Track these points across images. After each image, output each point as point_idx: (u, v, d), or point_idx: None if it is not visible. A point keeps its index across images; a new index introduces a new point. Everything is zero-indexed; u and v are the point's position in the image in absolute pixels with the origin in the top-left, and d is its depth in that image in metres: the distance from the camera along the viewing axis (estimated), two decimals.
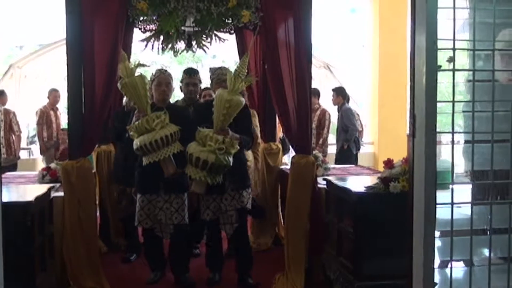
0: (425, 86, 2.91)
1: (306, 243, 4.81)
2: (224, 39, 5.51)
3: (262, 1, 4.96)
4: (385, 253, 3.65)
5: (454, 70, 2.96)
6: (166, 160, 4.53)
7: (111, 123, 5.55)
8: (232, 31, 5.56)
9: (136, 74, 4.57)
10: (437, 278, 3.10)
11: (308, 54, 4.87)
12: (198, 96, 5.65)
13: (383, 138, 10.17)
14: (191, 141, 4.65)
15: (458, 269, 3.23)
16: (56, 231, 4.48)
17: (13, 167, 8.36)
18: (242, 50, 5.82)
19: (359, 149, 8.98)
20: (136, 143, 4.51)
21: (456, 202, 3.03)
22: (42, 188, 4.20)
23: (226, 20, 5.04)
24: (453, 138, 2.98)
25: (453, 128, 2.97)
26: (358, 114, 9.44)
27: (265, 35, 5.00)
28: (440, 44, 2.94)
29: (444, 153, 5.73)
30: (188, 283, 4.95)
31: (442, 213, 3.06)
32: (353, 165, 6.96)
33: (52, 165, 5.21)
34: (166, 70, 5.00)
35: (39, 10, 13.65)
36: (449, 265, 3.03)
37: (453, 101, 2.95)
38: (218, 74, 4.79)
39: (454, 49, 2.94)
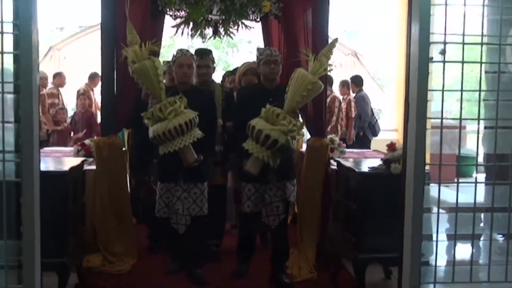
0: (418, 76, 3.21)
1: (318, 220, 5.15)
2: (250, 27, 5.73)
3: None
4: (385, 229, 3.89)
5: (444, 61, 3.27)
6: (184, 149, 4.34)
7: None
8: (258, 19, 5.80)
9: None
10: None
11: (324, 42, 5.12)
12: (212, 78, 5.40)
13: None
14: (213, 127, 4.62)
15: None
16: (88, 201, 4.86)
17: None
18: (267, 37, 5.85)
19: (375, 135, 9.24)
20: (150, 132, 4.35)
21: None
22: (76, 161, 4.59)
23: (249, 10, 5.33)
24: (442, 124, 3.27)
25: (442, 114, 3.27)
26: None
27: (284, 25, 5.32)
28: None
29: (469, 142, 5.97)
30: (199, 279, 4.65)
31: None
32: (370, 150, 7.23)
33: (86, 141, 5.63)
34: (188, 51, 4.75)
35: None
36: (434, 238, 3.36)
37: (443, 90, 3.25)
38: (267, 55, 4.55)
39: (445, 43, 3.24)
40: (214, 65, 5.36)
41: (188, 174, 4.53)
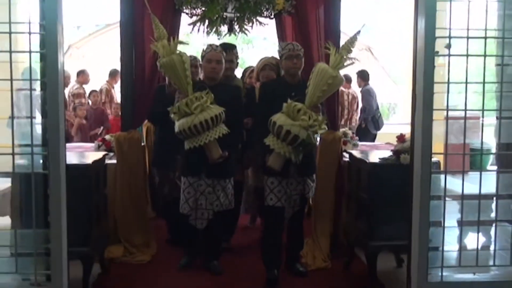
0: (424, 69, 3.37)
1: (332, 211, 5.29)
2: (264, 24, 5.83)
3: None
4: (395, 217, 4.02)
5: (449, 55, 3.41)
6: (209, 145, 4.35)
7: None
8: (272, 16, 5.84)
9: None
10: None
11: (337, 38, 5.26)
12: (238, 74, 5.47)
13: None
14: (239, 122, 4.61)
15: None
16: (109, 193, 5.03)
17: None
18: (281, 33, 5.91)
19: (378, 129, 9.42)
20: (176, 126, 4.36)
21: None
22: (98, 155, 4.77)
23: (262, 8, 5.47)
24: (447, 114, 3.41)
25: (447, 106, 3.41)
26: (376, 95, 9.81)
27: (297, 22, 5.47)
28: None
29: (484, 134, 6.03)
30: (216, 270, 4.77)
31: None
32: (382, 143, 7.35)
33: (107, 137, 5.81)
34: (218, 46, 4.72)
35: None
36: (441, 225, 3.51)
37: (448, 82, 3.40)
38: (289, 49, 4.47)
39: (450, 37, 3.39)
40: (238, 60, 5.42)
41: (213, 170, 4.52)
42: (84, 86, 9.61)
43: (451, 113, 3.49)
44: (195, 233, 4.75)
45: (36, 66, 3.35)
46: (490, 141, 4.05)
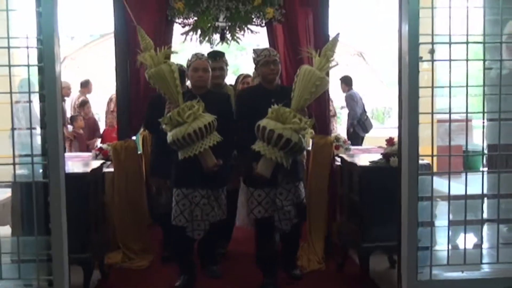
0: (408, 74, 3.50)
1: (326, 214, 5.41)
2: (256, 32, 5.94)
3: None
4: (386, 218, 4.07)
5: (432, 60, 3.55)
6: (204, 154, 4.25)
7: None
8: (263, 24, 5.92)
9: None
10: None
11: (325, 42, 5.31)
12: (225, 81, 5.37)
13: None
14: (230, 130, 4.48)
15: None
16: (107, 201, 5.13)
17: None
18: (272, 41, 5.92)
19: (366, 132, 9.65)
20: (169, 137, 4.25)
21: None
22: (96, 163, 4.89)
23: (253, 17, 5.59)
24: (432, 118, 3.54)
25: (432, 109, 3.54)
26: (361, 99, 10.00)
27: (287, 29, 5.60)
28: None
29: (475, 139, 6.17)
30: (215, 274, 4.86)
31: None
32: (375, 146, 7.47)
33: (104, 146, 5.93)
34: (203, 55, 4.66)
35: (89, 0, 14.38)
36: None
37: (432, 87, 3.52)
38: (265, 56, 4.44)
39: (432, 43, 3.52)
40: (227, 67, 5.35)
41: (207, 180, 4.40)
42: (88, 95, 9.84)
43: (444, 116, 3.62)
44: (189, 246, 4.67)
45: (32, 79, 3.47)
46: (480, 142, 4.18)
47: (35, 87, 3.46)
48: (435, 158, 3.73)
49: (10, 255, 3.55)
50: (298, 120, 4.07)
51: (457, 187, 3.70)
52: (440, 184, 3.76)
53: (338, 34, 4.32)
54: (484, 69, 3.59)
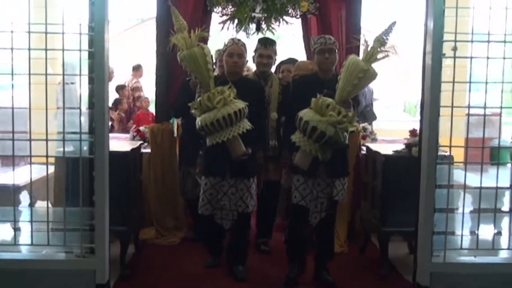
0: (431, 70, 3.72)
1: (350, 201, 5.63)
2: (290, 23, 6.14)
3: None
4: (406, 205, 4.20)
5: (455, 57, 3.76)
6: (232, 141, 4.16)
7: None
8: (298, 16, 6.12)
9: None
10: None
11: (358, 35, 5.59)
12: (272, 70, 5.31)
13: None
14: (262, 118, 4.45)
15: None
16: (144, 180, 5.45)
17: None
18: (306, 33, 6.16)
19: (368, 122, 9.69)
20: (198, 122, 4.17)
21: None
22: (135, 144, 5.22)
23: (288, 9, 5.85)
24: (452, 111, 3.75)
25: (452, 103, 3.75)
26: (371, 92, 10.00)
27: (321, 22, 5.85)
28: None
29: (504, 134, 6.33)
30: (239, 276, 4.53)
31: None
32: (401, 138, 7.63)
33: (141, 128, 6.24)
34: (239, 40, 4.56)
35: None
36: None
37: (453, 82, 3.74)
38: (321, 43, 4.28)
39: (455, 41, 3.73)
40: (276, 57, 5.23)
41: (236, 169, 4.34)
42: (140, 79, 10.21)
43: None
44: (220, 233, 4.65)
45: (74, 62, 3.78)
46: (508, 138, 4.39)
47: (76, 70, 3.77)
48: (463, 151, 3.93)
49: (52, 224, 3.83)
50: (335, 113, 3.90)
51: (484, 180, 3.87)
52: (467, 176, 3.94)
53: (394, 23, 4.02)
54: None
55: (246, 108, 4.15)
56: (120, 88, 9.86)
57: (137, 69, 10.20)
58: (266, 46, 5.04)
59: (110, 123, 9.18)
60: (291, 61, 5.49)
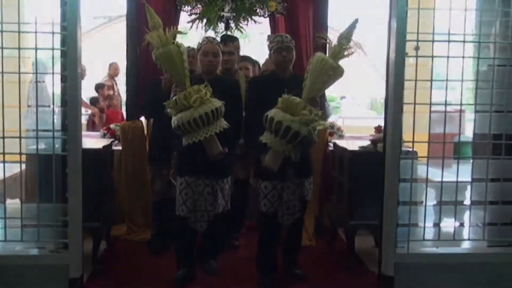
0: (395, 69, 3.88)
1: (317, 195, 5.77)
2: (258, 22, 6.27)
3: None
4: (372, 199, 4.36)
5: (417, 56, 3.92)
6: (209, 140, 4.06)
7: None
8: (266, 15, 6.22)
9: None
10: None
11: (325, 33, 5.66)
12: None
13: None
14: (239, 117, 4.37)
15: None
16: (115, 177, 5.52)
17: None
18: (274, 31, 6.21)
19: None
20: (174, 121, 4.03)
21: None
22: (106, 141, 5.27)
23: (257, 8, 5.96)
24: (414, 108, 3.92)
25: (415, 100, 3.92)
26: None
27: (289, 21, 5.98)
28: None
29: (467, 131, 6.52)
30: (211, 270, 4.60)
31: None
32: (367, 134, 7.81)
33: (112, 126, 6.30)
34: (214, 38, 4.51)
35: None
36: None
37: (416, 80, 3.90)
38: (278, 42, 4.23)
39: (417, 41, 3.89)
40: (239, 53, 5.23)
41: (212, 168, 4.24)
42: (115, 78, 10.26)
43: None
44: (192, 239, 4.47)
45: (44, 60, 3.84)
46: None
47: (47, 69, 3.83)
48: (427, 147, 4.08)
49: (24, 220, 3.89)
50: (307, 112, 3.83)
51: (448, 175, 4.08)
52: (433, 171, 4.11)
53: (356, 20, 4.00)
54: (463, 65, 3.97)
55: (222, 107, 4.05)
56: (100, 87, 9.91)
57: (112, 67, 10.23)
58: (226, 43, 5.00)
59: (91, 119, 9.35)
60: (247, 58, 5.56)
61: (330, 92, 9.79)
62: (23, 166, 4.36)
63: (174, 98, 4.09)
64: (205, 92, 4.01)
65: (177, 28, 4.76)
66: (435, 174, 4.11)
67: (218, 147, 4.11)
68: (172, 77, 4.25)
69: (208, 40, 4.40)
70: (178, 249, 4.49)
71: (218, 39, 4.97)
